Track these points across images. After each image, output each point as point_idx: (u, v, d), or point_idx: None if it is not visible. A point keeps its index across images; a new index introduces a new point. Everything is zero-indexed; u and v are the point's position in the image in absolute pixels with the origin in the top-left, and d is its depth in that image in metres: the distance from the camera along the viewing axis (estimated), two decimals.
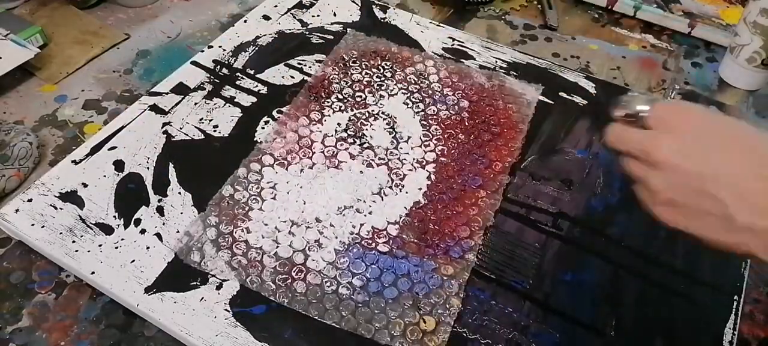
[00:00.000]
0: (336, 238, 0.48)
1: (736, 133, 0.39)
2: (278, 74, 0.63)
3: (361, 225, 0.49)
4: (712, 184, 0.37)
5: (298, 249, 0.47)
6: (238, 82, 0.61)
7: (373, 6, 0.72)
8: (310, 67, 0.64)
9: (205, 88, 0.60)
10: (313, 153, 0.54)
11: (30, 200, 0.49)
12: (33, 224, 0.47)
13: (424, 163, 0.54)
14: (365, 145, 0.55)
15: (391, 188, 0.52)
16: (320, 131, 0.56)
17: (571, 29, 0.73)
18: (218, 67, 0.63)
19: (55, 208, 0.49)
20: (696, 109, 0.41)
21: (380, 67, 0.63)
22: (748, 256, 0.37)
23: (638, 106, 0.41)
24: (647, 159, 0.39)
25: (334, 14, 0.71)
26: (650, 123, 0.41)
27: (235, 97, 0.60)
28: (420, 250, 0.48)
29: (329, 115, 0.58)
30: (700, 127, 0.39)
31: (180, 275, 0.45)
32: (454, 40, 0.68)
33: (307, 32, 0.68)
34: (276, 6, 0.71)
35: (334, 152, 0.55)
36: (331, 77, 0.62)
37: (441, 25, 0.70)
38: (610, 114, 0.43)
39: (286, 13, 0.71)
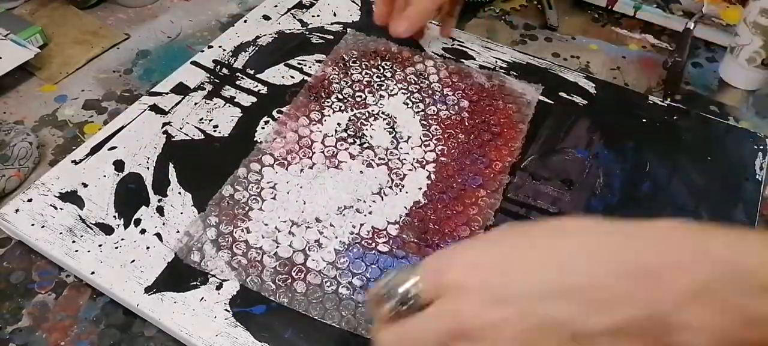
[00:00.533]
0: (336, 238, 0.48)
1: (515, 235, 0.32)
2: (278, 74, 0.63)
3: (361, 225, 0.49)
4: (540, 306, 0.29)
5: (298, 249, 0.47)
6: (238, 82, 0.61)
7: (373, 6, 0.72)
8: (310, 67, 0.64)
9: (205, 88, 0.60)
10: (313, 153, 0.54)
11: (30, 200, 0.49)
12: (33, 224, 0.47)
13: (424, 163, 0.54)
14: (365, 145, 0.55)
15: (391, 187, 0.52)
16: (320, 131, 0.56)
17: (571, 29, 0.73)
18: (218, 67, 0.63)
19: (55, 208, 0.49)
20: (461, 249, 0.33)
21: (380, 67, 0.63)
22: None
23: (401, 286, 0.31)
24: (464, 337, 0.29)
25: (334, 14, 0.71)
26: (426, 296, 0.31)
27: (235, 97, 0.60)
28: (420, 249, 0.48)
29: (329, 115, 0.58)
30: (482, 258, 0.31)
31: (180, 275, 0.45)
32: (454, 40, 0.68)
33: (307, 32, 0.68)
34: (276, 6, 0.71)
35: (334, 152, 0.55)
36: (331, 77, 0.62)
37: (441, 25, 0.70)
38: (373, 316, 0.32)
39: (286, 13, 0.71)
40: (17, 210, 0.48)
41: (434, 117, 0.58)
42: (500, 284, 0.29)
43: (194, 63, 0.63)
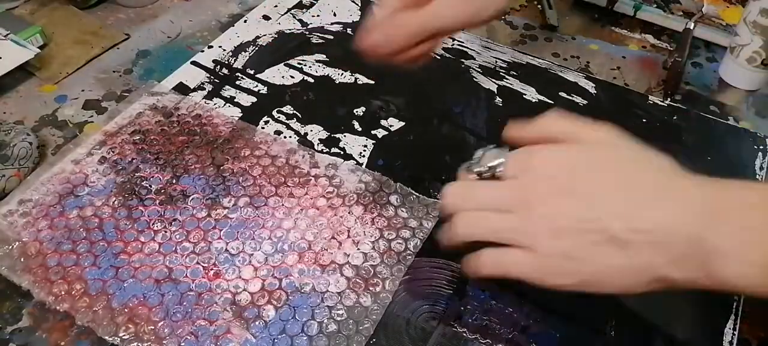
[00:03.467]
0: None
1: (605, 149, 0.38)
2: (278, 74, 0.63)
3: None
4: (600, 208, 0.35)
5: None
6: (238, 82, 0.61)
7: (373, 6, 0.72)
8: (310, 67, 0.64)
9: (205, 88, 0.60)
10: None
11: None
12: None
13: None
14: None
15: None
16: None
17: (571, 29, 0.73)
18: (218, 67, 0.63)
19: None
20: (546, 146, 0.38)
21: None
22: (652, 280, 0.35)
23: (490, 162, 0.37)
24: (525, 208, 0.36)
25: (334, 14, 0.71)
26: (510, 172, 0.37)
27: (235, 97, 0.60)
28: None
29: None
30: (566, 159, 0.37)
31: None
32: (454, 40, 0.68)
33: (307, 32, 0.68)
34: (276, 6, 0.71)
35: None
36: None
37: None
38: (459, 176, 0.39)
39: (286, 13, 0.71)
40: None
41: None
42: (569, 181, 0.36)
43: (194, 63, 0.63)
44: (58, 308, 0.43)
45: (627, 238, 0.34)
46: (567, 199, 0.35)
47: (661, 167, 0.36)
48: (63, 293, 0.43)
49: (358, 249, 0.47)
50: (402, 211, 0.50)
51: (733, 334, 0.45)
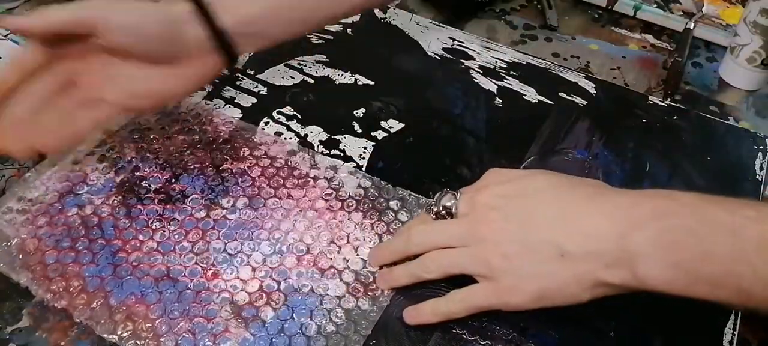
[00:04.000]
0: None
1: (543, 181, 0.42)
2: (278, 74, 0.63)
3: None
4: (541, 229, 0.39)
5: None
6: (238, 83, 0.61)
7: None
8: (310, 67, 0.64)
9: (205, 89, 0.60)
10: None
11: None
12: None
13: None
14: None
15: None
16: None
17: (571, 29, 0.73)
18: None
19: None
20: (502, 178, 0.43)
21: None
22: (593, 285, 0.38)
23: (445, 202, 0.43)
24: (477, 240, 0.40)
25: None
26: (461, 211, 0.42)
27: (235, 98, 0.60)
28: None
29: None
30: (509, 191, 0.41)
31: None
32: (454, 40, 0.68)
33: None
34: None
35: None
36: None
37: (441, 25, 0.70)
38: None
39: None
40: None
41: None
42: (509, 209, 0.40)
43: None
44: (56, 305, 0.43)
45: (565, 251, 0.38)
46: (509, 225, 0.40)
47: (589, 184, 0.42)
48: (61, 290, 0.43)
49: (358, 255, 0.47)
50: (402, 215, 0.50)
51: (733, 334, 0.44)
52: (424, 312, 0.43)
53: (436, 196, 0.44)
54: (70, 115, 0.43)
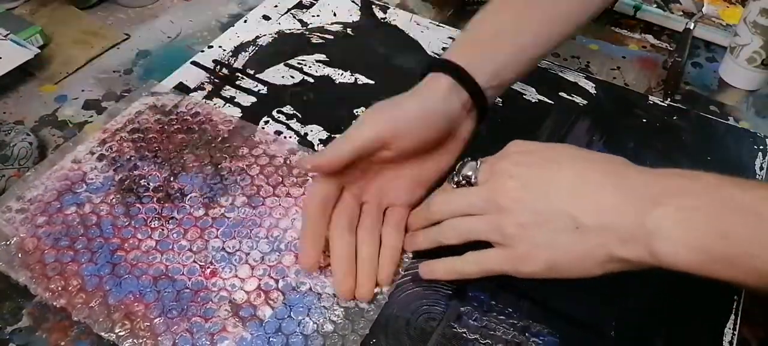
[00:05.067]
0: None
1: (561, 152, 0.42)
2: (278, 74, 0.63)
3: None
4: (556, 200, 0.39)
5: None
6: (238, 82, 0.61)
7: (373, 6, 0.72)
8: (310, 67, 0.64)
9: (205, 89, 0.60)
10: None
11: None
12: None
13: None
14: None
15: None
16: None
17: None
18: (218, 67, 0.63)
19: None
20: (522, 148, 0.43)
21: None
22: (606, 260, 0.38)
23: (466, 172, 0.43)
24: (494, 208, 0.41)
25: (334, 14, 0.71)
26: (481, 179, 0.43)
27: (235, 97, 0.60)
28: None
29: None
30: (527, 161, 0.41)
31: None
32: (453, 40, 0.68)
33: (307, 32, 0.68)
34: (276, 6, 0.71)
35: None
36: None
37: (441, 25, 0.70)
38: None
39: (286, 13, 0.71)
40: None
41: None
42: (527, 179, 0.40)
43: (194, 63, 0.63)
44: (54, 303, 0.43)
45: (580, 223, 0.38)
46: (526, 194, 0.40)
47: (610, 160, 0.41)
48: (60, 288, 0.43)
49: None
50: None
51: (733, 334, 0.44)
52: (437, 269, 0.44)
53: (458, 165, 0.44)
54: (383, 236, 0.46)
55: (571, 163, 0.41)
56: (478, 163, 0.43)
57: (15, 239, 0.46)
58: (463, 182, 0.43)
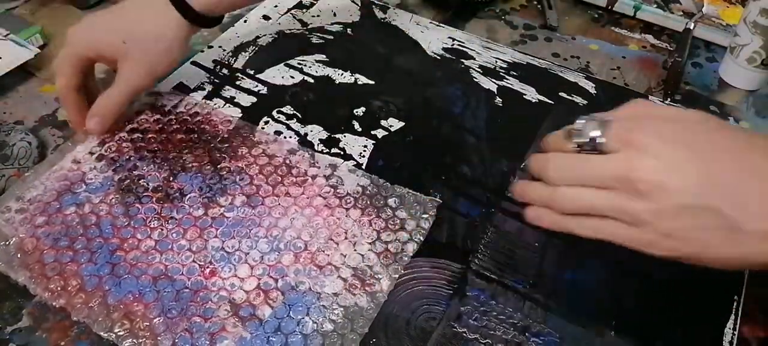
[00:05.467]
0: None
1: (712, 129, 0.36)
2: (278, 74, 0.63)
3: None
4: (708, 195, 0.33)
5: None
6: (238, 83, 0.61)
7: (373, 6, 0.72)
8: (310, 67, 0.64)
9: (205, 89, 0.60)
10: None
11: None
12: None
13: None
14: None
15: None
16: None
17: (571, 29, 0.73)
18: (218, 67, 0.63)
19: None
20: (657, 113, 0.37)
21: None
22: (761, 266, 0.33)
23: (593, 132, 0.36)
24: (627, 187, 0.34)
25: (334, 14, 0.71)
26: (611, 146, 0.36)
27: (235, 98, 0.59)
28: None
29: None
30: (672, 134, 0.35)
31: None
32: (454, 40, 0.68)
33: (307, 32, 0.68)
34: (276, 6, 0.71)
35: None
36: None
37: (441, 25, 0.70)
38: (551, 144, 0.39)
39: (286, 13, 0.71)
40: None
41: None
42: (675, 160, 0.34)
43: (194, 63, 0.63)
44: (54, 303, 0.43)
45: (740, 227, 0.32)
46: (672, 182, 0.33)
47: None
48: (59, 289, 0.43)
49: (355, 250, 0.47)
50: (400, 212, 0.50)
51: (733, 334, 0.44)
52: (544, 218, 0.39)
53: (579, 122, 0.37)
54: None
55: (726, 144, 0.34)
56: (604, 123, 0.36)
57: (14, 239, 0.46)
58: (588, 145, 0.36)
